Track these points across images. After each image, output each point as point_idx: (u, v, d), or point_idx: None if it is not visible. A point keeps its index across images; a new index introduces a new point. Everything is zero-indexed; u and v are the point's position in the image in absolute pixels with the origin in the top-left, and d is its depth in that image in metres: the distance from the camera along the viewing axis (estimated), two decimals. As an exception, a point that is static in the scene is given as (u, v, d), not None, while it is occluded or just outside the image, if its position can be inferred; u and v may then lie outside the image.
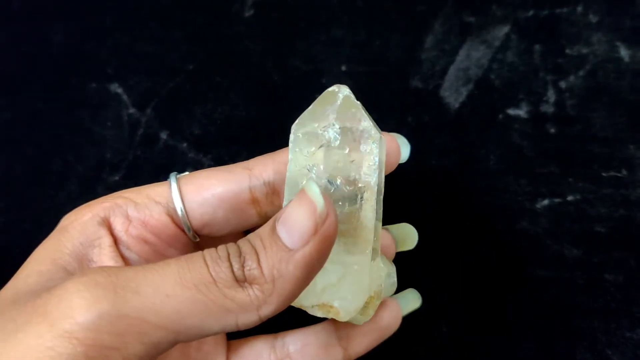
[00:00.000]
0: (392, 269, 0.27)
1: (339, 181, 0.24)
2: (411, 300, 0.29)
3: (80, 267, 0.23)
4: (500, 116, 0.36)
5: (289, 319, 0.29)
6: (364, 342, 0.27)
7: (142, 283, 0.19)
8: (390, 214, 0.29)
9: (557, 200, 0.34)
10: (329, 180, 0.24)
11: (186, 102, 0.38)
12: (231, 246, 0.21)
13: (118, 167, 0.37)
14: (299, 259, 0.20)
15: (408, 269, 0.30)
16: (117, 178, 0.36)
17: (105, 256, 0.24)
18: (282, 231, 0.20)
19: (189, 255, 0.21)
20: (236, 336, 0.28)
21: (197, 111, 0.38)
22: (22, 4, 0.41)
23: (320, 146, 0.24)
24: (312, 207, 0.20)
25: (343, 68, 0.38)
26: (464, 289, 0.33)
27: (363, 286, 0.24)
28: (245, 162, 0.26)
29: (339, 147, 0.24)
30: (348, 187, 0.24)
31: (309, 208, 0.20)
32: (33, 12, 0.41)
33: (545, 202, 0.34)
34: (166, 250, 0.25)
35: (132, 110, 0.38)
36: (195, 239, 0.26)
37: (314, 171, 0.24)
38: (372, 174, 0.24)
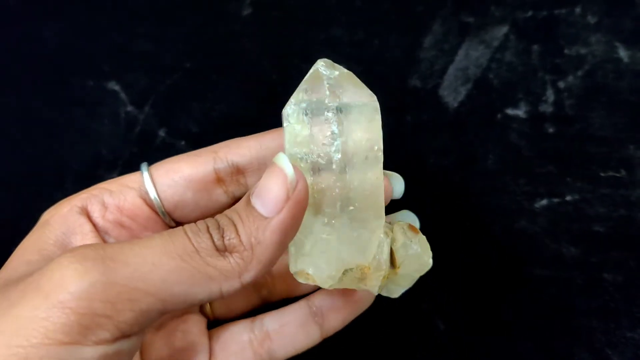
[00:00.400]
0: (413, 239, 0.26)
1: (302, 155, 0.25)
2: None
3: None
4: (499, 116, 0.36)
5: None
6: (339, 317, 0.28)
7: (129, 254, 0.20)
8: (389, 214, 0.29)
9: (555, 200, 0.34)
10: (295, 156, 0.25)
11: (184, 100, 0.38)
12: (209, 220, 0.22)
13: (115, 164, 0.36)
14: (274, 225, 0.21)
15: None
16: (113, 175, 0.36)
17: (87, 241, 0.25)
18: (257, 203, 0.22)
19: (171, 230, 0.22)
20: (216, 324, 0.29)
21: (194, 109, 0.37)
22: (18, 2, 0.41)
23: (284, 125, 0.25)
24: (282, 176, 0.22)
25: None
26: (463, 288, 0.33)
27: (332, 255, 0.24)
28: (212, 146, 0.27)
29: (295, 122, 0.25)
30: (314, 159, 0.24)
31: (279, 177, 0.22)
32: (29, 11, 0.41)
33: (544, 201, 0.34)
34: (142, 233, 0.26)
35: (129, 108, 0.37)
36: (170, 222, 0.27)
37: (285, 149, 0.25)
38: (330, 143, 0.24)
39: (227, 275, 0.21)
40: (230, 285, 0.21)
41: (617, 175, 0.34)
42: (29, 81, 0.39)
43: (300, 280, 0.25)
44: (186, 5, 0.40)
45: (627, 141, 0.34)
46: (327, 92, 0.25)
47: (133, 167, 0.36)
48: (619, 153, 0.34)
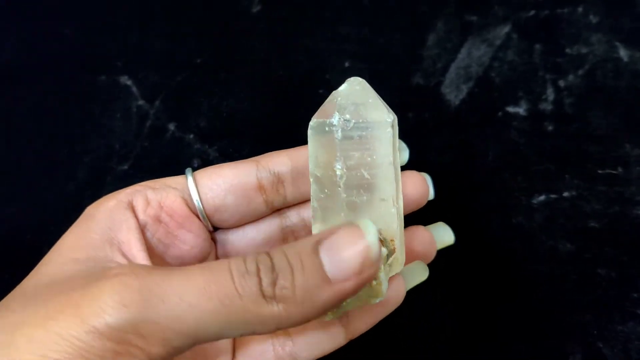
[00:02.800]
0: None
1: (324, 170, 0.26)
2: (417, 272, 0.29)
3: (111, 250, 0.24)
4: (500, 114, 0.37)
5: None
6: (365, 318, 0.27)
7: (168, 291, 0.20)
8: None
9: (552, 196, 0.35)
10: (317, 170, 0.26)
11: (193, 96, 0.39)
12: (262, 259, 0.21)
13: (126, 157, 0.38)
14: (335, 291, 0.20)
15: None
16: (125, 167, 0.37)
17: (132, 237, 0.25)
18: (325, 258, 0.21)
19: (215, 264, 0.21)
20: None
21: (204, 104, 0.39)
22: (36, 1, 0.43)
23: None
24: (366, 249, 0.21)
25: (346, 64, 0.39)
26: (458, 282, 0.34)
27: None
28: (253, 157, 0.28)
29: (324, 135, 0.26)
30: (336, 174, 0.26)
31: (361, 248, 0.21)
32: (46, 9, 0.43)
33: (541, 197, 0.35)
34: (177, 230, 0.27)
35: (141, 102, 0.39)
36: (207, 223, 0.27)
37: None
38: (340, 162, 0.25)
39: (264, 322, 0.20)
40: (264, 329, 0.21)
41: (614, 172, 0.35)
42: (44, 76, 0.40)
43: None
44: (197, 3, 0.41)
45: (624, 140, 0.35)
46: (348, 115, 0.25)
47: (144, 161, 0.38)
48: (616, 151, 0.35)
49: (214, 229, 0.28)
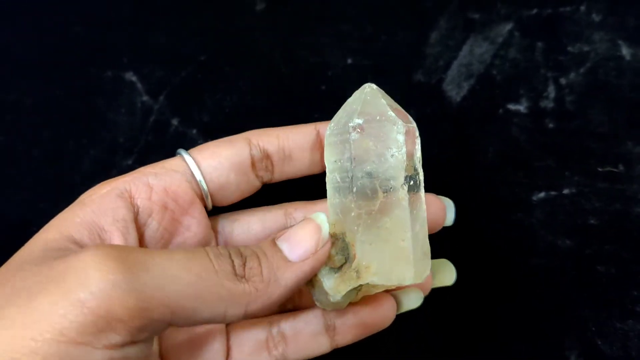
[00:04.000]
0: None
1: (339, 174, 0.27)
2: (411, 299, 0.30)
3: (89, 234, 0.24)
4: (500, 111, 0.37)
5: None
6: (351, 333, 0.29)
7: (150, 263, 0.21)
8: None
9: (553, 193, 0.35)
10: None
11: (197, 91, 0.39)
12: (231, 248, 0.24)
13: (130, 151, 0.38)
14: (295, 270, 0.24)
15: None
16: (129, 162, 0.38)
17: (116, 225, 0.25)
18: (284, 246, 0.24)
19: (193, 248, 0.24)
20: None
21: (207, 99, 0.39)
22: (44, -5, 0.43)
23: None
24: (318, 230, 0.24)
25: (349, 61, 0.39)
26: (458, 279, 0.34)
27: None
28: (243, 133, 0.29)
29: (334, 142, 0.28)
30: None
31: (315, 231, 0.24)
32: (55, 5, 0.43)
33: (542, 194, 0.35)
34: (182, 217, 0.27)
35: (145, 98, 0.39)
36: (209, 204, 0.28)
37: None
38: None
39: (236, 299, 0.22)
40: (235, 311, 0.23)
41: (615, 170, 0.35)
42: (52, 71, 0.41)
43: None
44: (202, 0, 0.42)
45: (625, 137, 0.35)
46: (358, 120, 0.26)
47: (148, 155, 0.38)
48: (618, 149, 0.35)
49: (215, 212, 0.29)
